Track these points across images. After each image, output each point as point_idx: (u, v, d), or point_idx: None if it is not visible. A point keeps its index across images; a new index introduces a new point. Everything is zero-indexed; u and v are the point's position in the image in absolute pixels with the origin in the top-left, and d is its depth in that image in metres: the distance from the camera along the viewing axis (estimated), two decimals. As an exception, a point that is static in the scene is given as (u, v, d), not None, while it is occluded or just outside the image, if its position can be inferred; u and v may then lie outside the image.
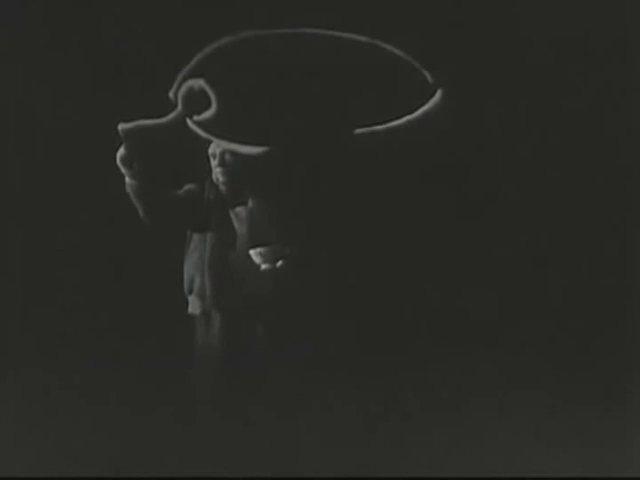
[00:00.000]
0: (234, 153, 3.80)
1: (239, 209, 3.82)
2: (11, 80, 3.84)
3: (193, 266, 3.80)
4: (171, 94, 3.82)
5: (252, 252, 3.70)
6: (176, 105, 3.82)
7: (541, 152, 3.80)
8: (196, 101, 3.82)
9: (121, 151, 3.62)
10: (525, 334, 3.76)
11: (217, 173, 3.83)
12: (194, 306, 3.83)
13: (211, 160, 3.85)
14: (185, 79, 3.82)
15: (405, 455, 3.69)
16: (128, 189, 3.66)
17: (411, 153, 3.79)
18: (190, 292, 3.83)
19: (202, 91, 3.82)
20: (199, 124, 3.82)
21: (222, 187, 3.84)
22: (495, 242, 3.78)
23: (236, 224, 3.81)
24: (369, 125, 3.80)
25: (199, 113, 3.82)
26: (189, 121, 3.82)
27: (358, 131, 3.80)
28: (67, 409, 3.77)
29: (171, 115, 3.82)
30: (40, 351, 3.83)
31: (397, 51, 3.80)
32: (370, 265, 3.76)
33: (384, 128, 3.80)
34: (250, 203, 3.82)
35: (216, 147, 3.82)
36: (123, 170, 3.62)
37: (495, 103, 3.78)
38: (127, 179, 3.65)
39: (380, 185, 3.79)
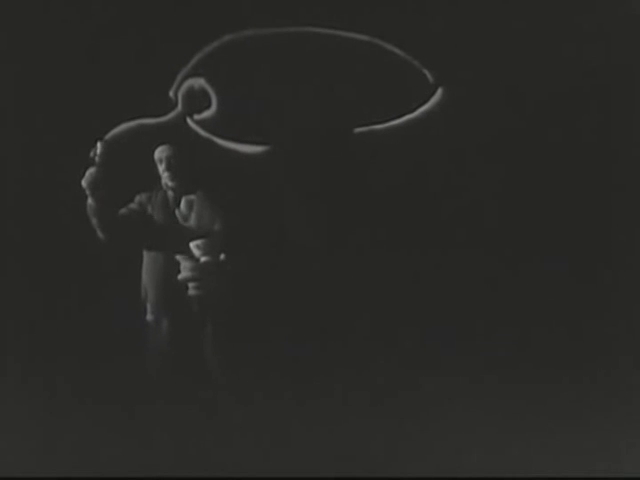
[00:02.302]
0: (179, 156, 3.78)
1: (184, 208, 3.81)
2: (11, 80, 3.83)
3: (145, 272, 3.81)
4: (171, 93, 3.83)
5: (191, 245, 3.72)
6: (176, 104, 3.83)
7: (541, 151, 3.79)
8: (196, 100, 3.83)
9: (92, 173, 3.64)
10: (525, 334, 3.76)
11: (165, 178, 3.80)
12: (149, 312, 3.83)
13: (158, 165, 3.80)
14: (185, 78, 3.83)
15: (403, 455, 3.69)
16: (89, 210, 3.67)
17: (411, 152, 3.79)
18: (145, 299, 3.84)
19: (202, 90, 3.83)
20: (199, 123, 3.83)
21: (170, 192, 3.82)
22: (495, 242, 3.78)
23: (182, 222, 3.81)
24: (369, 124, 3.80)
25: (199, 112, 3.83)
26: (189, 120, 3.84)
27: (358, 130, 3.81)
28: (65, 410, 3.78)
29: (171, 114, 3.83)
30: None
31: (397, 50, 3.80)
32: (363, 263, 3.77)
33: (384, 127, 3.80)
34: (195, 201, 3.81)
35: (161, 152, 3.78)
36: (89, 192, 3.64)
37: (495, 102, 3.78)
38: (90, 201, 3.66)
39: (379, 184, 3.79)
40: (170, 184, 3.79)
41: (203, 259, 3.70)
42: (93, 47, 3.80)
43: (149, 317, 3.81)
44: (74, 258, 3.79)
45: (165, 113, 3.83)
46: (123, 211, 3.79)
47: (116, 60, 3.79)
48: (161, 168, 3.79)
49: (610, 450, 3.69)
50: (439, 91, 3.81)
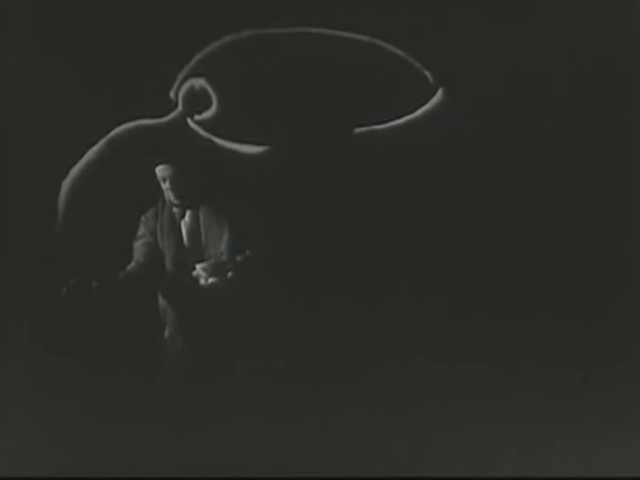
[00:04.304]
0: (183, 174, 3.78)
1: (191, 224, 3.82)
2: (11, 80, 3.83)
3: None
4: (172, 94, 3.83)
5: (198, 267, 3.73)
6: (177, 105, 3.84)
7: (543, 152, 3.79)
8: (197, 100, 3.83)
9: None
10: (525, 334, 3.76)
11: (170, 196, 3.80)
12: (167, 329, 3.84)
13: (161, 183, 3.79)
14: (186, 78, 3.83)
15: (402, 455, 3.69)
16: None
17: (411, 153, 3.79)
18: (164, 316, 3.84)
19: (203, 90, 3.83)
20: (200, 123, 3.83)
21: (175, 208, 3.83)
22: (496, 243, 3.77)
23: (187, 241, 3.82)
24: (369, 125, 3.80)
25: (200, 113, 3.83)
26: (190, 121, 3.84)
27: (358, 130, 3.81)
28: (63, 410, 3.79)
29: (172, 115, 3.84)
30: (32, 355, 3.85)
31: (398, 51, 3.80)
32: (365, 264, 3.78)
33: (384, 128, 3.80)
34: (201, 216, 3.82)
35: (164, 171, 3.78)
36: None
37: (496, 103, 3.77)
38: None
39: (380, 185, 3.79)
40: (176, 202, 3.80)
41: (210, 280, 3.71)
42: (92, 48, 3.80)
43: (166, 334, 3.80)
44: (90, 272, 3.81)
45: (165, 114, 3.83)
46: (137, 246, 3.81)
47: (115, 61, 3.79)
48: (164, 186, 3.79)
49: (611, 450, 3.69)
50: (440, 91, 3.81)
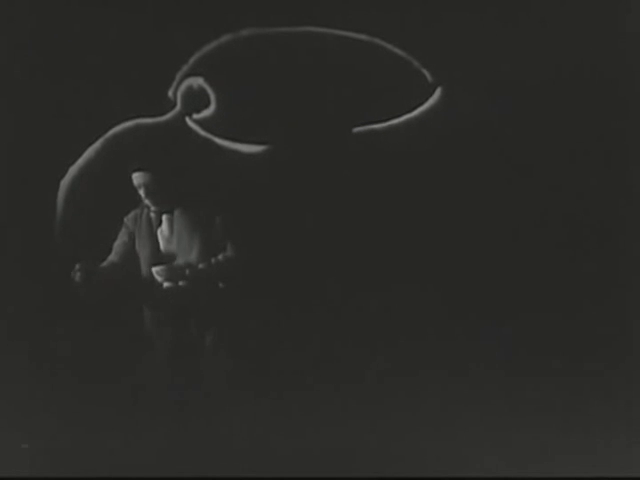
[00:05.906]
0: (157, 181, 3.74)
1: (166, 228, 3.81)
2: (11, 80, 3.84)
3: None
4: (170, 93, 3.84)
5: (153, 270, 3.73)
6: (175, 104, 3.84)
7: (541, 151, 3.79)
8: (195, 100, 3.83)
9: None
10: (525, 334, 3.76)
11: (147, 202, 3.76)
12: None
13: (139, 190, 3.76)
14: (184, 77, 3.83)
15: (403, 454, 3.69)
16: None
17: (410, 152, 3.79)
18: None
19: (201, 90, 3.83)
20: (198, 122, 3.84)
21: (152, 214, 3.80)
22: (494, 242, 3.78)
23: (162, 245, 3.81)
24: (368, 124, 3.81)
25: (198, 112, 3.84)
26: (188, 120, 3.84)
27: (357, 130, 3.81)
28: (60, 410, 3.80)
29: (170, 114, 3.84)
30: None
31: (397, 50, 3.80)
32: (363, 263, 3.78)
33: (383, 127, 3.81)
34: (175, 222, 3.80)
35: (139, 178, 3.73)
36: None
37: (494, 102, 3.78)
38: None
39: (378, 184, 3.79)
40: (153, 208, 3.78)
41: (165, 284, 3.72)
42: (91, 47, 3.80)
43: (148, 328, 3.81)
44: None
45: (164, 113, 3.84)
46: (115, 246, 3.80)
47: (114, 60, 3.79)
48: (141, 193, 3.75)
49: (612, 450, 3.69)
50: (438, 91, 3.81)
